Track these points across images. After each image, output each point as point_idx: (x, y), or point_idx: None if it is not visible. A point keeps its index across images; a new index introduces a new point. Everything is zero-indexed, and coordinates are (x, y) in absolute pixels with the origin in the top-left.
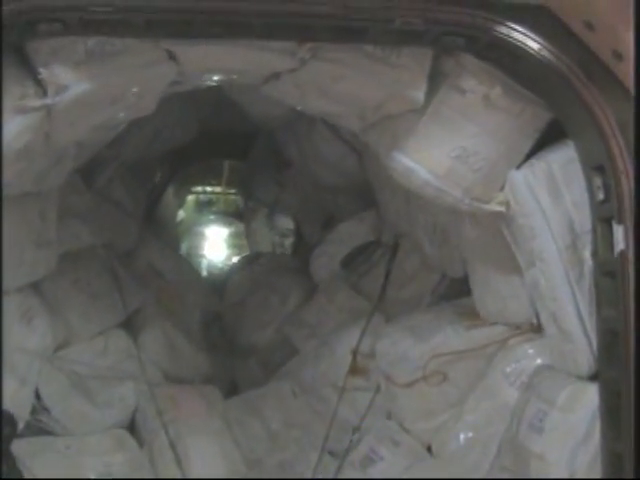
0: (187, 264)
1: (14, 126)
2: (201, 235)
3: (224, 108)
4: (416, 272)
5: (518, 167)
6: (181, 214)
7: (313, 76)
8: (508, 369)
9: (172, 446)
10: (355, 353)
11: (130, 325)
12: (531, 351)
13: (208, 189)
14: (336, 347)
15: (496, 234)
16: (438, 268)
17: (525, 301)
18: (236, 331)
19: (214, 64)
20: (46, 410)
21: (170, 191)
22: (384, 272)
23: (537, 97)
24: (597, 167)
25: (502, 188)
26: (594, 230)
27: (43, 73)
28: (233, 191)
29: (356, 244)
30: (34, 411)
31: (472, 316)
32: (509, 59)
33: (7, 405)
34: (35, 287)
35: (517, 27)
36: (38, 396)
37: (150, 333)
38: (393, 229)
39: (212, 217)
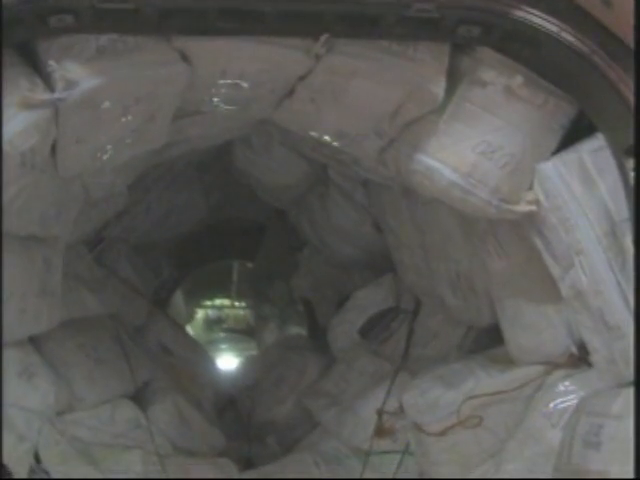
0: (199, 347)
1: (20, 122)
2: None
3: (233, 196)
4: (440, 329)
5: None
6: (189, 332)
7: (328, 76)
8: (549, 409)
9: None
10: (381, 412)
11: (139, 398)
12: (572, 387)
13: (217, 302)
14: (359, 410)
15: (523, 261)
16: (463, 320)
17: (561, 330)
18: (252, 411)
19: (228, 64)
20: (45, 472)
21: (180, 300)
22: (406, 334)
23: (558, 88)
24: (629, 149)
25: (530, 187)
26: (632, 215)
27: (52, 67)
28: (243, 304)
29: (375, 311)
30: (32, 472)
31: (504, 362)
32: (527, 48)
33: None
34: (37, 345)
35: (533, 10)
36: (38, 459)
37: (160, 404)
38: (413, 291)
39: (222, 335)
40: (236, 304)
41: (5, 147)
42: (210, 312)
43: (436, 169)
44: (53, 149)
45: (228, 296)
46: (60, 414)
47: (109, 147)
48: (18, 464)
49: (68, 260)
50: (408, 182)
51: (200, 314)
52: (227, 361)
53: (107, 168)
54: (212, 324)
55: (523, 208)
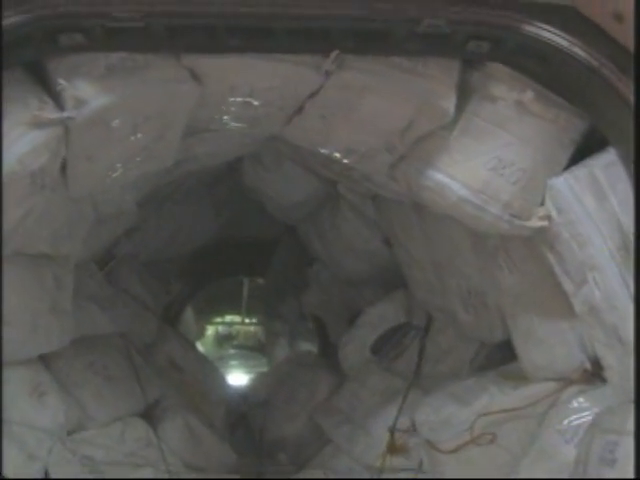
0: (210, 364)
1: (30, 141)
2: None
3: (244, 212)
4: (452, 346)
5: None
6: (199, 349)
7: (339, 92)
8: (563, 426)
9: None
10: (393, 430)
11: (149, 416)
12: (586, 404)
13: (227, 318)
14: (371, 428)
15: (535, 276)
16: (475, 337)
17: (574, 346)
18: (263, 428)
19: (238, 81)
20: None
21: (191, 316)
22: (418, 351)
23: (569, 102)
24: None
25: (542, 203)
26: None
27: (62, 85)
28: (254, 320)
29: (386, 327)
30: None
31: (517, 379)
32: (537, 63)
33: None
34: (47, 364)
35: (545, 26)
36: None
37: (171, 422)
38: (424, 306)
39: (232, 351)
40: (246, 320)
41: (15, 167)
42: (220, 329)
43: (447, 185)
44: (63, 168)
45: (238, 312)
46: (70, 433)
47: (119, 165)
48: None
49: (78, 278)
50: (419, 198)
51: (210, 330)
52: (237, 378)
53: (117, 186)
54: (222, 341)
55: (535, 224)
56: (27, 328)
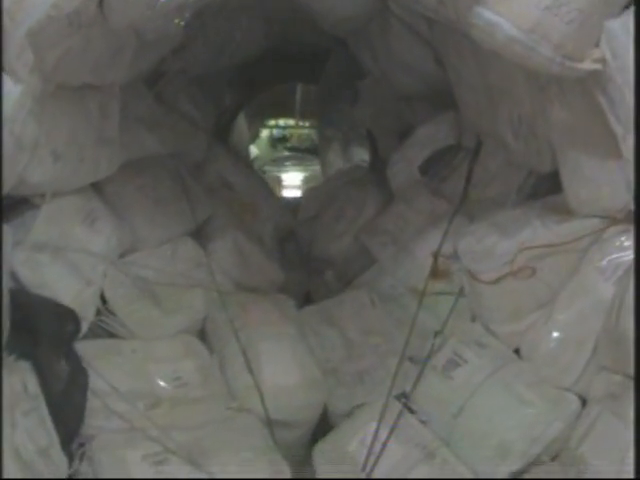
0: (260, 180)
1: None
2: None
3: (295, 25)
4: (500, 171)
5: None
6: (254, 151)
7: None
8: (603, 263)
9: (243, 352)
10: (437, 255)
11: (199, 235)
12: (628, 243)
13: (281, 122)
14: (416, 251)
15: (587, 114)
16: (524, 165)
17: (621, 186)
18: (311, 245)
19: None
20: (111, 313)
21: (243, 122)
22: (466, 173)
23: None
24: None
25: (597, 45)
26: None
27: None
28: (307, 124)
29: (436, 148)
30: (99, 313)
31: (563, 211)
32: None
33: (71, 305)
34: (98, 190)
35: None
36: (104, 300)
37: (221, 241)
38: (474, 129)
39: (287, 153)
40: (300, 124)
41: (51, 12)
42: (275, 131)
43: (496, 23)
44: (101, 3)
45: (292, 116)
46: (123, 256)
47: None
48: (84, 308)
49: (126, 101)
50: (467, 33)
51: (265, 133)
52: (293, 177)
53: (160, 14)
54: (277, 143)
55: (588, 66)
56: (75, 159)
